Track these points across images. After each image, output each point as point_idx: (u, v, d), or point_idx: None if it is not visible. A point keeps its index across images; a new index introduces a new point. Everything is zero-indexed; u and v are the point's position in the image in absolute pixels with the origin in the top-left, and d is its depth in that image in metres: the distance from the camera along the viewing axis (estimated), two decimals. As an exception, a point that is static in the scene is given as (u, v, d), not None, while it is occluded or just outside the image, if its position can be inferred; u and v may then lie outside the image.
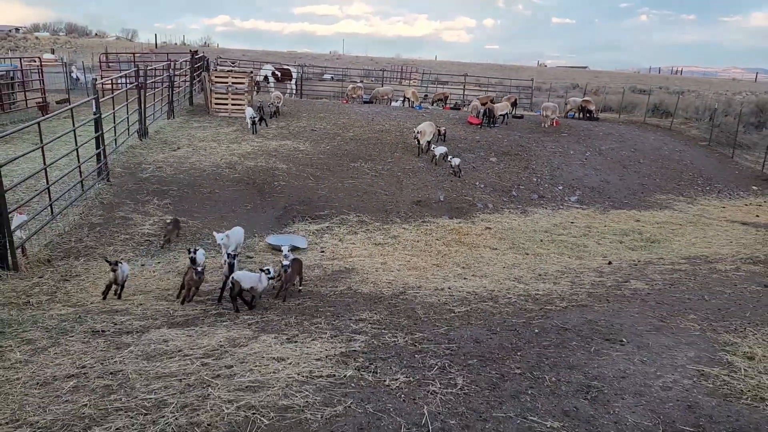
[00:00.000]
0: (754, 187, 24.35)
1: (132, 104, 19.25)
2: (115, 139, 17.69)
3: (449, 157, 20.37)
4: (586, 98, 33.51)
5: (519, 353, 7.27)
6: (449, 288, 11.01)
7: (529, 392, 6.11)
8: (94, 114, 14.85)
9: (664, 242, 15.74)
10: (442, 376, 6.55)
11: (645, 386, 6.21)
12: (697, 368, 6.66)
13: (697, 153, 27.39)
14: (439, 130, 22.89)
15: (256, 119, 21.84)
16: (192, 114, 25.25)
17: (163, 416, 5.48)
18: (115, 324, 8.18)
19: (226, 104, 25.30)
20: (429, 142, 21.86)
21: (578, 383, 6.33)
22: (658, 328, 8.12)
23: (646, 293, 10.27)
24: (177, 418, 5.44)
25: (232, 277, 9.12)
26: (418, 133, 21.33)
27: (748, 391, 6.05)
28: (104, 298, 9.43)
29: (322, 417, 5.56)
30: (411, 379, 6.46)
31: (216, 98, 25.33)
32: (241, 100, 25.46)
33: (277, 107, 25.23)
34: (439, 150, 20.73)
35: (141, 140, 19.42)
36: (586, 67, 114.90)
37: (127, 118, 18.91)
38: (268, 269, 9.59)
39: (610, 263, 13.18)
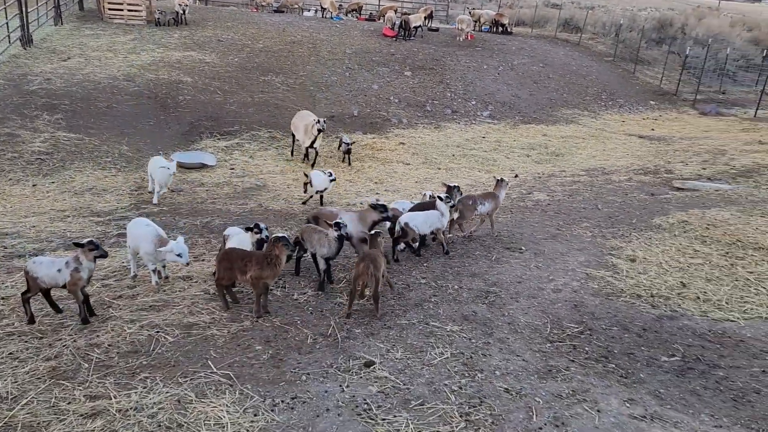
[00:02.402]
0: (652, 102, 25.62)
1: (11, 8, 17.33)
2: (-5, 48, 16.01)
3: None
4: (500, 12, 33.40)
5: (425, 264, 7.53)
6: (361, 203, 11.10)
7: (433, 300, 6.39)
8: (-34, 18, 13.29)
9: (568, 155, 16.43)
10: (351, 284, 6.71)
11: (538, 290, 6.64)
12: (586, 271, 7.18)
13: (603, 68, 28.27)
14: (319, 126, 12.82)
15: None
16: (83, 20, 23.12)
17: (60, 339, 5.33)
18: (6, 248, 7.72)
19: (122, 9, 23.30)
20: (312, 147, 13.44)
21: (478, 289, 6.68)
22: (554, 236, 8.61)
23: (547, 204, 10.79)
24: (75, 340, 5.31)
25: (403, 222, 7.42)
26: (319, 123, 12.81)
27: (627, 289, 6.61)
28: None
29: (228, 332, 5.59)
30: (319, 293, 6.57)
31: (109, 2, 23.23)
32: (138, 4, 23.49)
33: (182, 14, 23.50)
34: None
35: (25, 49, 17.66)
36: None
37: (7, 23, 17.06)
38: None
39: (516, 176, 13.68)
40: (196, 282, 6.77)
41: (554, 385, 4.70)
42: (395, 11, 28.52)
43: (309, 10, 31.63)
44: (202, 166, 12.95)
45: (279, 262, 5.80)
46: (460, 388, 4.68)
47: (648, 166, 14.32)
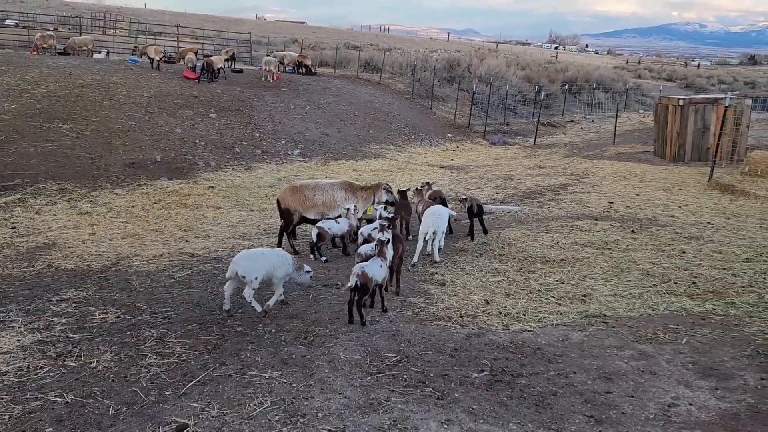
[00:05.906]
0: (449, 135, 27.87)
1: None
2: None
3: None
4: (302, 53, 34.26)
5: (240, 311, 7.22)
6: (169, 253, 10.41)
7: (250, 348, 6.12)
8: None
9: (378, 188, 17.12)
10: (159, 347, 6.18)
11: (356, 323, 6.69)
12: (400, 299, 7.42)
13: (403, 105, 30.21)
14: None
15: None
16: None
17: None
18: None
19: None
20: None
21: (297, 331, 6.54)
22: (369, 268, 8.80)
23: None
24: None
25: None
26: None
27: (439, 313, 6.94)
28: None
29: (10, 417, 4.80)
30: (122, 356, 5.96)
31: None
32: None
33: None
34: None
35: None
36: (304, 23, 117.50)
37: None
38: None
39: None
40: (-34, 365, 5.75)
41: (376, 418, 4.71)
42: (195, 53, 27.85)
43: (100, 52, 29.66)
44: (-24, 228, 11.25)
45: None
46: (283, 437, 4.48)
47: (450, 194, 15.42)
